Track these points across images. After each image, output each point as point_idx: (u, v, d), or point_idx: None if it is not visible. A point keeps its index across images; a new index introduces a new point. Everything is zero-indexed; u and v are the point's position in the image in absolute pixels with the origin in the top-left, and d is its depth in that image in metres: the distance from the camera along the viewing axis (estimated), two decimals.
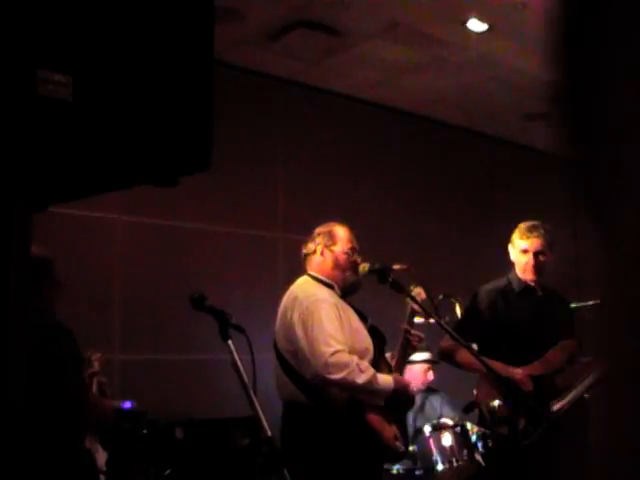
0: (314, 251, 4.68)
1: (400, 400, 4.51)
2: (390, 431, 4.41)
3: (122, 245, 6.76)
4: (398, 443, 4.43)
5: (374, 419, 4.35)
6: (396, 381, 4.49)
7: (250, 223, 7.54)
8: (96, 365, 4.68)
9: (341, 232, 4.72)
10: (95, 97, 1.66)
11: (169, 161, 1.82)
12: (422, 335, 4.72)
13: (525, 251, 5.15)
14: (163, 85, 1.74)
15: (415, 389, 7.18)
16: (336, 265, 4.63)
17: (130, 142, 1.74)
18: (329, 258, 4.64)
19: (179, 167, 1.88)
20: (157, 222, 6.95)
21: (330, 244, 4.65)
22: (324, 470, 4.29)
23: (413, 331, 4.69)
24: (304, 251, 4.74)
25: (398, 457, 4.60)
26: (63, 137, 1.62)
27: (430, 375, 7.17)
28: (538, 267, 5.14)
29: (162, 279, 6.84)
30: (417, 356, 6.98)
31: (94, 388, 4.58)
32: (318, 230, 4.74)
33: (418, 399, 6.99)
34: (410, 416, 6.71)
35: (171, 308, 6.36)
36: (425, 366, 7.12)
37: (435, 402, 7.27)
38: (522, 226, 5.22)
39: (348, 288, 4.66)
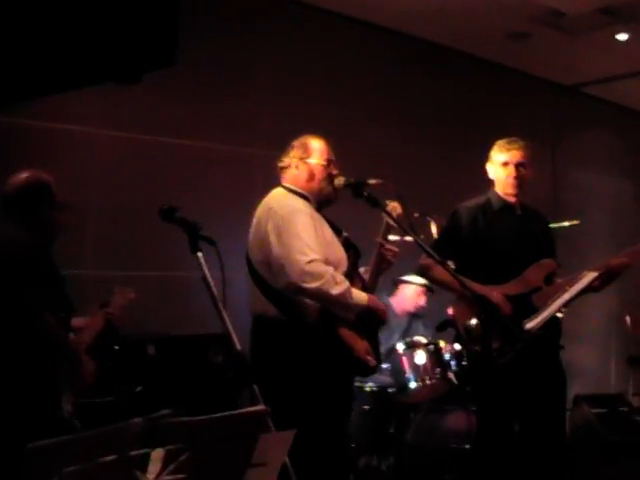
0: (289, 164, 4.63)
1: (371, 319, 4.48)
2: (362, 345, 4.39)
3: (97, 159, 6.65)
4: (369, 357, 4.42)
5: (346, 333, 4.33)
6: (370, 300, 4.45)
7: (228, 138, 7.43)
8: (115, 303, 4.69)
9: (316, 144, 4.66)
10: None
11: (131, 57, 1.74)
12: (396, 249, 4.68)
13: (505, 164, 5.11)
14: None
15: (404, 311, 7.20)
16: (311, 177, 4.59)
17: (91, 37, 1.66)
18: (304, 170, 4.59)
19: (142, 63, 1.79)
20: (135, 136, 6.82)
21: (305, 156, 4.60)
22: (294, 383, 4.29)
23: (387, 245, 4.65)
24: (279, 165, 4.69)
25: (369, 371, 4.58)
26: (18, 29, 1.55)
27: (422, 300, 7.16)
28: (519, 179, 5.11)
29: (137, 195, 6.74)
30: (413, 278, 6.99)
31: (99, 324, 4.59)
32: (292, 143, 4.68)
33: (404, 322, 7.01)
34: (388, 336, 6.74)
35: (146, 225, 6.26)
36: (419, 289, 7.12)
37: (419, 326, 7.30)
38: (500, 141, 5.19)
39: (323, 200, 4.61)
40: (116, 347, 5.77)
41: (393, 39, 8.99)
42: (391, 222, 4.56)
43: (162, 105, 6.62)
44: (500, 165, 5.12)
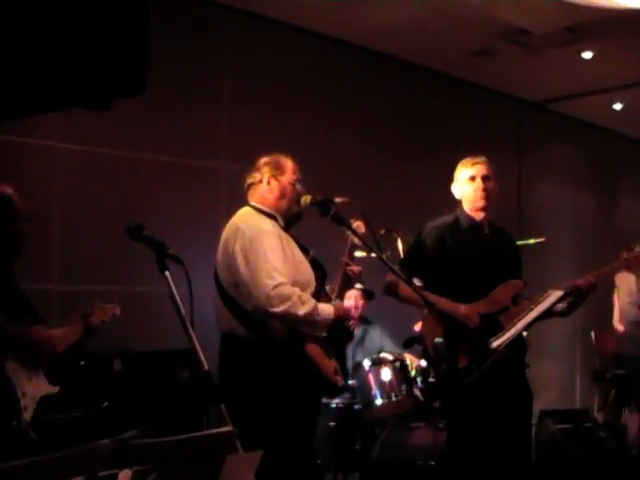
0: (260, 180, 4.64)
1: (340, 331, 4.50)
2: (330, 365, 4.42)
3: (61, 173, 6.62)
4: (338, 377, 4.45)
5: (314, 352, 4.35)
6: (336, 308, 4.50)
7: (192, 153, 7.44)
8: (96, 316, 4.65)
9: (288, 163, 4.69)
10: (26, 15, 1.58)
11: (102, 84, 1.75)
12: (361, 268, 4.72)
13: (472, 178, 5.15)
14: (97, 8, 1.66)
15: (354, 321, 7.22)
16: (282, 195, 4.61)
17: (63, 63, 1.67)
18: (275, 188, 4.61)
19: (113, 90, 1.80)
20: (97, 150, 6.81)
21: (277, 174, 4.62)
22: (262, 402, 4.30)
23: (352, 264, 4.69)
24: (249, 180, 4.69)
25: (337, 391, 4.62)
26: None
27: (360, 303, 7.14)
28: (487, 192, 5.14)
29: (102, 209, 6.73)
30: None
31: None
32: (264, 160, 4.69)
33: (358, 332, 7.03)
34: (350, 349, 6.76)
35: (111, 239, 6.27)
36: (355, 292, 7.12)
37: (375, 335, 7.33)
38: (463, 161, 5.24)
39: (291, 218, 4.63)
40: (82, 362, 5.74)
41: (358, 54, 9.04)
42: (356, 241, 4.60)
43: (126, 119, 6.60)
44: (467, 180, 5.16)
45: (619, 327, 8.57)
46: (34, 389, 4.05)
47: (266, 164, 4.68)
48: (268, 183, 4.62)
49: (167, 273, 3.39)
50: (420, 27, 8.35)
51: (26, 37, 1.60)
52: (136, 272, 6.49)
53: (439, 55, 9.34)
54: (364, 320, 7.33)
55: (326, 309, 4.43)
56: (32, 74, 1.66)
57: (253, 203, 4.64)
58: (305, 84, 8.45)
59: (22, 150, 6.37)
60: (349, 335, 4.75)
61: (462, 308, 4.80)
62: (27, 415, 3.94)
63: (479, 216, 5.19)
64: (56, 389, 4.25)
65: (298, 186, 4.63)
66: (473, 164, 5.17)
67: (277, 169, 4.64)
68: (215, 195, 7.45)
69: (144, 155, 7.10)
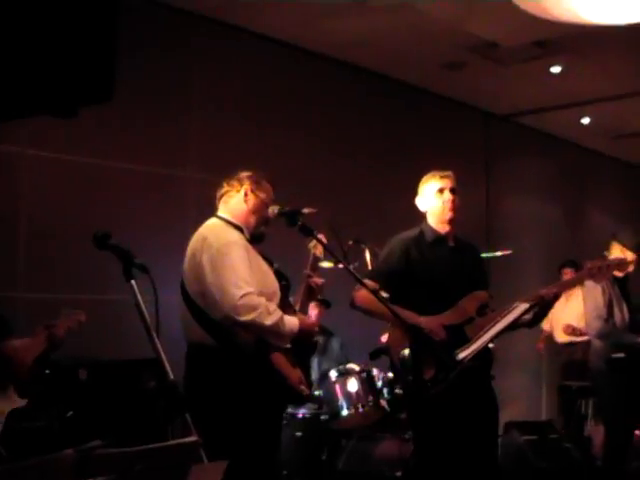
0: (237, 190, 4.65)
1: (304, 342, 4.56)
2: (294, 374, 4.45)
3: (27, 180, 6.59)
4: (302, 386, 4.48)
5: (280, 362, 4.38)
6: (301, 321, 4.55)
7: (161, 162, 7.42)
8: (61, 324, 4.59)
9: (267, 185, 4.75)
10: None
11: (68, 91, 1.74)
12: (323, 280, 4.75)
13: (441, 190, 5.16)
14: (63, 13, 1.65)
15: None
16: (255, 210, 4.65)
17: (28, 69, 1.66)
18: (251, 201, 4.65)
19: (79, 97, 1.79)
20: (64, 157, 6.77)
21: (256, 190, 4.64)
22: (228, 412, 4.32)
23: (315, 276, 4.72)
24: (225, 188, 4.71)
25: (302, 400, 4.65)
26: None
27: (314, 313, 7.11)
28: (455, 204, 5.16)
29: (68, 216, 6.70)
30: None
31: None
32: (247, 173, 4.74)
33: (320, 341, 7.03)
34: (315, 359, 6.77)
35: (77, 247, 6.22)
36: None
37: (335, 344, 7.35)
38: (430, 173, 5.25)
39: (256, 236, 4.65)
40: (47, 371, 5.70)
41: (327, 65, 9.07)
42: (318, 253, 4.65)
43: (95, 127, 6.59)
44: (435, 193, 5.17)
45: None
46: (3, 404, 4.02)
47: (249, 178, 4.72)
48: (245, 194, 4.65)
49: (133, 282, 3.37)
50: (391, 39, 8.39)
51: None
52: (103, 280, 6.46)
53: (409, 67, 9.39)
54: (325, 331, 7.34)
55: (291, 321, 4.47)
56: None
57: (221, 214, 4.65)
58: (275, 94, 8.46)
59: None
60: (313, 347, 4.78)
61: (426, 321, 4.81)
62: None
63: (444, 229, 5.21)
64: (24, 402, 4.21)
65: (269, 209, 4.65)
66: (442, 177, 5.19)
67: (258, 186, 4.69)
68: (183, 204, 7.44)
69: (112, 163, 7.07)
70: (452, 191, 5.17)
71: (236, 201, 4.66)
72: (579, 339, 9.58)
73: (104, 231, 3.50)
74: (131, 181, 7.20)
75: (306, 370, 4.63)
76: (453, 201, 5.15)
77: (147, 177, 7.30)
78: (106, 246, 3.47)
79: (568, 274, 9.77)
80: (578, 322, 9.37)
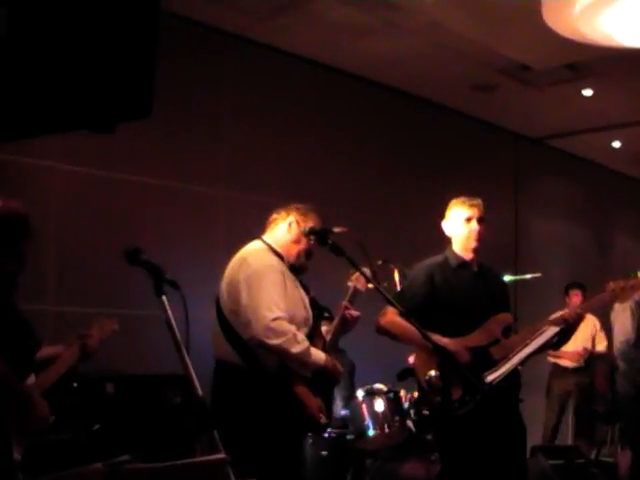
0: (284, 219, 4.70)
1: (326, 378, 4.59)
2: (314, 403, 4.50)
3: (59, 194, 6.63)
4: (321, 415, 4.50)
5: (300, 390, 4.45)
6: (327, 361, 4.59)
7: (191, 178, 7.45)
8: (94, 334, 4.54)
9: (316, 219, 4.77)
10: (32, 35, 1.58)
11: (107, 107, 1.75)
12: (359, 314, 4.79)
13: (469, 219, 5.17)
14: (105, 30, 1.66)
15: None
16: (297, 240, 4.71)
17: (67, 84, 1.67)
18: (295, 231, 4.71)
19: (117, 113, 1.80)
20: (96, 173, 6.81)
21: (302, 221, 4.68)
22: (251, 430, 4.34)
23: (352, 309, 4.76)
24: (274, 215, 4.76)
25: (320, 429, 4.69)
26: None
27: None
28: (480, 235, 5.16)
29: (99, 231, 6.73)
30: None
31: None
32: (295, 205, 4.81)
33: None
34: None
35: (107, 261, 6.26)
36: None
37: (344, 370, 7.30)
38: (458, 199, 5.25)
39: (297, 267, 4.70)
40: (75, 384, 5.71)
41: (357, 84, 9.07)
42: (359, 286, 4.68)
43: (126, 142, 6.61)
44: (463, 221, 5.17)
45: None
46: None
47: (296, 209, 4.79)
48: (290, 224, 4.69)
49: (164, 298, 3.38)
50: (422, 59, 8.40)
51: (31, 58, 1.60)
52: (131, 295, 6.48)
53: (439, 88, 9.38)
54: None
55: (318, 355, 4.55)
56: (37, 95, 1.66)
57: (265, 238, 4.70)
58: (304, 112, 8.47)
59: (20, 169, 6.37)
60: (336, 380, 4.78)
61: (450, 343, 4.80)
62: (18, 454, 3.85)
63: (468, 256, 5.23)
64: (51, 419, 4.16)
65: (313, 243, 4.66)
66: (471, 206, 5.19)
67: (304, 218, 4.73)
68: (213, 221, 7.46)
69: (143, 179, 7.11)
70: (479, 221, 5.17)
71: (281, 230, 4.74)
72: (563, 363, 9.61)
73: (135, 246, 3.52)
74: (162, 197, 7.22)
75: (328, 399, 4.67)
76: (479, 232, 5.16)
77: (178, 194, 7.32)
78: (137, 261, 3.48)
79: (576, 296, 9.75)
80: (584, 345, 9.42)
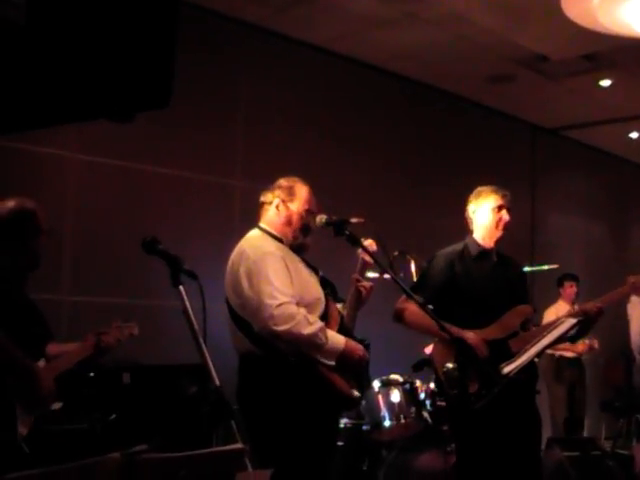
0: (270, 202, 4.61)
1: (350, 364, 4.45)
2: (342, 381, 4.38)
3: (75, 184, 6.64)
4: (353, 390, 4.41)
5: (326, 371, 4.32)
6: (347, 344, 4.42)
7: (208, 169, 7.46)
8: (112, 334, 4.55)
9: (302, 191, 4.63)
10: (51, 24, 1.57)
11: (126, 96, 1.74)
12: (372, 284, 4.70)
13: (500, 207, 5.16)
14: (123, 20, 1.66)
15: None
16: (287, 222, 4.56)
17: (86, 72, 1.66)
18: (283, 213, 4.57)
19: (136, 103, 1.80)
20: (114, 163, 6.83)
21: (287, 200, 4.59)
22: (281, 421, 4.28)
23: (363, 281, 4.67)
24: (261, 199, 4.67)
25: (353, 404, 4.58)
26: (12, 61, 1.54)
27: None
28: (508, 224, 5.17)
29: (115, 221, 6.75)
30: None
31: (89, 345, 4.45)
32: (280, 182, 4.65)
33: None
34: None
35: (123, 251, 6.28)
36: None
37: None
38: (488, 187, 5.22)
39: (296, 248, 4.60)
40: (91, 374, 5.74)
41: (375, 75, 9.06)
42: (367, 258, 4.58)
43: (142, 132, 6.63)
44: (492, 209, 5.16)
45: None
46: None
47: (280, 187, 4.64)
48: (277, 207, 4.59)
49: (181, 287, 3.38)
50: (439, 51, 8.38)
51: (49, 47, 1.60)
52: (147, 286, 6.50)
53: (457, 79, 9.36)
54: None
55: (336, 338, 4.39)
56: (55, 84, 1.66)
57: (262, 225, 4.62)
58: (321, 104, 8.47)
59: (36, 159, 6.39)
60: (360, 365, 4.63)
61: (469, 336, 4.78)
62: (24, 429, 3.87)
63: (489, 245, 5.21)
64: (58, 405, 4.17)
65: (308, 217, 4.58)
66: (503, 195, 5.19)
67: (289, 195, 4.60)
68: (229, 211, 7.47)
69: (160, 169, 7.12)
70: (508, 211, 5.17)
71: (270, 213, 4.62)
72: (568, 354, 9.58)
73: (153, 236, 3.51)
74: (178, 187, 7.23)
75: (358, 378, 4.56)
76: (508, 222, 5.16)
77: (194, 184, 7.33)
78: (155, 251, 3.48)
79: (570, 287, 9.73)
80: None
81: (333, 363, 4.35)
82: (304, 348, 4.29)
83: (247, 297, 4.31)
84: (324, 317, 4.43)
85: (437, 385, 5.22)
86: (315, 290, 4.52)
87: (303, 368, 4.29)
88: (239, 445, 2.87)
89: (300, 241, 4.60)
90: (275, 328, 4.18)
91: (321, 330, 4.29)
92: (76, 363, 4.33)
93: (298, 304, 4.28)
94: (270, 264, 4.33)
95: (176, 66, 1.82)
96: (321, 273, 4.68)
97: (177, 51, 1.82)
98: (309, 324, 4.24)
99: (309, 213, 4.60)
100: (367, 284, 4.72)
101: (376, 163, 8.92)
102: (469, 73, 9.12)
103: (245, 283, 4.32)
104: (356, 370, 4.52)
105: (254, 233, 4.61)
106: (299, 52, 8.27)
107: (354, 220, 4.53)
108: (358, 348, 4.49)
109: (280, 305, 4.19)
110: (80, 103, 1.77)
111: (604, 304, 5.09)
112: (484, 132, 10.33)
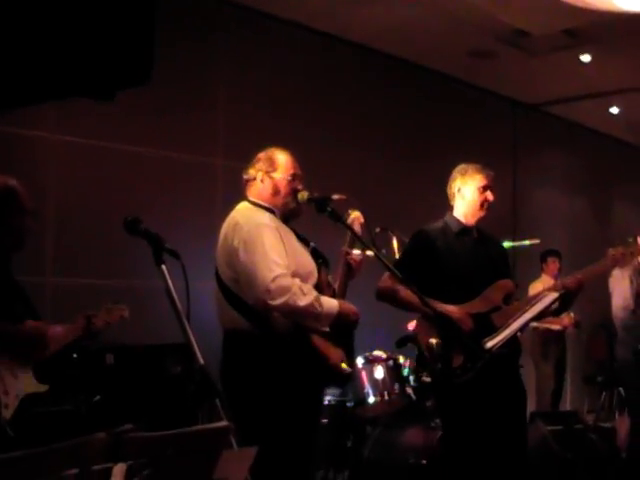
0: (254, 177, 4.61)
1: (345, 324, 4.47)
2: (336, 353, 4.38)
3: (56, 165, 6.61)
4: (344, 365, 4.42)
5: (319, 342, 4.31)
6: (341, 305, 4.44)
7: (190, 148, 7.43)
8: (101, 316, 4.54)
9: (282, 158, 4.63)
10: (30, 4, 1.56)
11: (106, 73, 1.73)
12: (362, 257, 4.70)
13: (485, 187, 5.17)
14: None
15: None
16: (275, 192, 4.56)
17: (66, 50, 1.65)
18: (268, 185, 4.57)
19: (117, 80, 1.79)
20: (94, 143, 6.80)
21: (270, 170, 4.58)
22: (268, 398, 4.27)
23: (353, 254, 4.67)
24: (244, 177, 4.66)
25: (344, 379, 4.59)
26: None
27: None
28: (490, 203, 5.19)
29: (98, 202, 6.73)
30: None
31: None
32: (259, 156, 4.65)
33: None
34: None
35: (106, 232, 6.27)
36: None
37: None
38: (473, 166, 5.22)
39: (288, 214, 4.60)
40: (75, 355, 5.73)
41: (356, 52, 9.06)
42: (356, 230, 4.59)
43: (123, 113, 6.60)
44: (477, 188, 5.16)
45: None
46: (19, 387, 3.98)
47: (259, 160, 4.63)
48: (262, 180, 4.58)
49: (163, 267, 3.37)
50: (419, 27, 8.37)
51: (31, 24, 1.59)
52: (130, 266, 6.49)
53: (437, 55, 9.36)
54: None
55: (330, 302, 4.39)
56: (37, 62, 1.65)
57: (251, 198, 4.61)
58: (303, 81, 8.45)
59: (16, 141, 6.35)
60: (355, 323, 4.64)
61: (453, 310, 4.80)
62: (7, 413, 3.85)
63: (470, 222, 5.22)
64: (44, 388, 4.16)
65: (295, 181, 4.59)
66: (488, 175, 5.20)
67: (270, 165, 4.59)
68: (212, 191, 7.46)
69: (141, 149, 7.10)
70: (492, 191, 5.18)
71: (257, 187, 4.60)
72: (555, 327, 9.65)
73: (135, 216, 3.51)
74: (160, 167, 7.22)
75: (348, 347, 4.56)
76: (492, 201, 5.17)
77: (175, 164, 7.32)
78: (137, 231, 3.47)
79: (553, 263, 9.81)
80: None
81: (327, 329, 4.36)
82: (299, 319, 4.29)
83: (242, 268, 4.28)
84: (317, 288, 4.43)
85: (420, 361, 5.23)
86: (308, 262, 4.52)
87: (294, 343, 4.29)
88: (224, 423, 2.88)
89: (292, 206, 4.59)
90: (271, 302, 4.17)
91: (316, 299, 4.29)
92: (63, 346, 4.33)
93: (292, 276, 4.28)
94: (265, 235, 4.31)
95: (155, 43, 1.81)
96: (312, 244, 4.67)
97: (156, 28, 1.81)
98: (304, 295, 4.23)
99: (295, 177, 4.60)
100: (357, 256, 4.72)
101: (358, 140, 8.91)
102: (450, 49, 9.11)
103: (241, 254, 4.29)
104: (349, 333, 4.55)
105: (245, 205, 4.59)
106: (280, 30, 8.25)
107: (336, 197, 4.52)
108: (352, 309, 4.52)
109: (276, 278, 4.18)
110: (61, 81, 1.75)
111: (584, 277, 5.11)
112: (465, 108, 10.34)
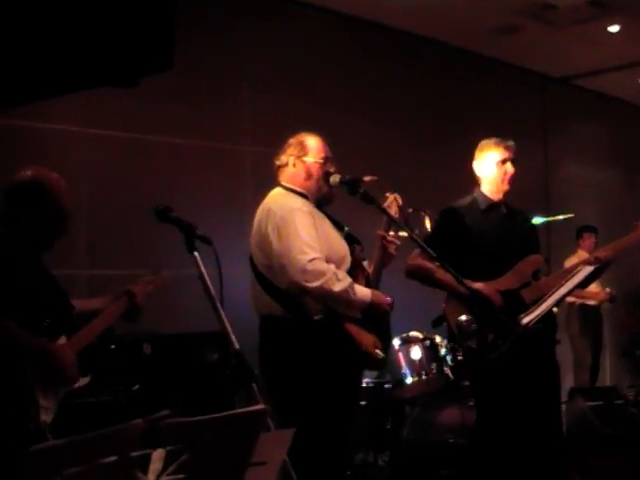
0: (286, 163, 4.61)
1: (376, 314, 4.46)
2: (368, 338, 4.38)
3: (86, 158, 6.64)
4: (377, 350, 4.41)
5: (352, 328, 4.32)
6: (374, 295, 4.45)
7: (217, 136, 7.44)
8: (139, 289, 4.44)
9: (312, 142, 4.63)
10: None
11: (129, 60, 1.73)
12: (398, 242, 4.68)
13: (504, 161, 5.13)
14: None
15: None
16: (308, 176, 4.56)
17: (88, 39, 1.65)
18: (301, 169, 4.57)
19: (139, 67, 1.78)
20: (122, 135, 6.82)
21: (302, 154, 4.58)
22: (303, 382, 4.29)
23: (389, 238, 4.65)
24: (277, 163, 4.67)
25: (377, 364, 4.59)
26: (13, 30, 1.53)
27: None
28: (513, 177, 5.14)
29: (128, 193, 6.75)
30: None
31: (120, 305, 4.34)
32: (289, 141, 4.65)
33: None
34: None
35: (138, 222, 6.28)
36: None
37: None
38: (491, 140, 5.19)
39: (321, 199, 4.60)
40: (112, 346, 5.76)
41: (380, 33, 9.01)
42: (393, 213, 4.57)
43: (149, 103, 6.62)
44: (497, 163, 5.13)
45: None
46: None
47: (290, 145, 4.64)
48: (294, 165, 4.59)
49: (196, 254, 3.38)
50: (444, 4, 8.32)
51: (51, 15, 1.59)
52: (163, 255, 6.50)
53: (463, 32, 9.29)
54: None
55: (363, 291, 4.40)
56: (61, 53, 1.65)
57: (284, 183, 4.61)
58: (328, 64, 8.42)
59: (47, 135, 6.38)
60: (387, 313, 4.63)
61: (482, 287, 4.77)
62: (48, 417, 3.79)
63: (498, 197, 5.19)
64: (85, 381, 4.09)
65: (327, 164, 4.58)
66: (506, 147, 5.15)
67: (301, 150, 4.59)
68: (241, 178, 7.46)
69: (168, 139, 7.11)
70: (513, 163, 5.13)
71: (289, 172, 4.61)
72: (591, 303, 9.66)
73: (165, 204, 3.52)
74: (189, 156, 7.23)
75: (384, 334, 4.55)
76: (514, 174, 5.13)
77: (204, 152, 7.33)
78: (168, 219, 3.48)
79: (589, 239, 9.79)
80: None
81: (359, 316, 4.36)
82: (332, 303, 4.29)
83: (276, 254, 4.29)
84: (350, 273, 4.43)
85: (451, 339, 5.22)
86: (341, 247, 4.52)
87: (327, 328, 4.29)
88: (261, 406, 2.89)
89: (325, 190, 4.60)
90: (306, 284, 4.18)
91: (350, 286, 4.31)
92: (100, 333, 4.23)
93: (326, 261, 4.28)
94: (298, 219, 4.32)
95: (177, 28, 1.80)
96: (347, 229, 4.67)
97: (179, 16, 1.80)
98: (338, 280, 4.25)
99: (327, 160, 4.59)
100: (394, 240, 4.70)
101: (386, 121, 8.88)
102: (476, 26, 9.05)
103: (274, 240, 4.30)
104: (381, 322, 4.54)
105: (278, 191, 4.60)
106: (301, 13, 8.22)
107: (367, 178, 4.52)
108: (384, 299, 4.51)
109: (311, 260, 4.19)
110: (83, 71, 1.75)
111: (616, 250, 5.07)
112: (493, 85, 10.27)
